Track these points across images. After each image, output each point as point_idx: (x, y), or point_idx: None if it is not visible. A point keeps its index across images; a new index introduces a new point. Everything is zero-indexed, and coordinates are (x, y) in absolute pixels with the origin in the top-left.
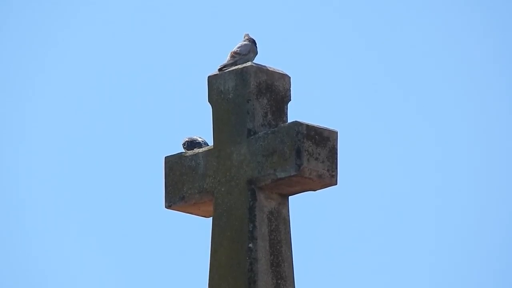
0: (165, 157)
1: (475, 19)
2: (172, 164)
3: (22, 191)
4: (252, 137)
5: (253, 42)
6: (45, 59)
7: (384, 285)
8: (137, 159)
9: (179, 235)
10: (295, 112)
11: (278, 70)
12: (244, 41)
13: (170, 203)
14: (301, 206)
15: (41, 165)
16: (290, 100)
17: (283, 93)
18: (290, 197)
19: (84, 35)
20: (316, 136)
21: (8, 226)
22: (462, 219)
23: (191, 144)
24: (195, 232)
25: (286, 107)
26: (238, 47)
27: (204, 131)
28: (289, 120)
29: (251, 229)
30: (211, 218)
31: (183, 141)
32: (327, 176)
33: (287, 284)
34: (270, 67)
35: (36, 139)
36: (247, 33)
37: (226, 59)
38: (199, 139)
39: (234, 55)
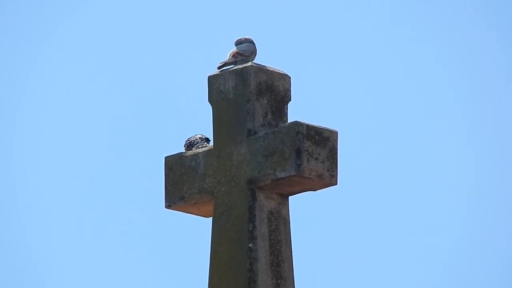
0: (165, 157)
1: (475, 19)
2: (172, 164)
3: (22, 191)
4: (252, 137)
5: (251, 42)
6: (43, 58)
7: (384, 285)
8: (137, 159)
9: (179, 235)
10: (295, 112)
11: (278, 70)
12: (249, 43)
13: (170, 203)
14: (301, 206)
15: (41, 165)
16: (290, 100)
17: (283, 93)
18: (290, 197)
19: (84, 35)
20: (316, 136)
21: (8, 226)
22: (463, 219)
23: (190, 144)
24: (195, 232)
25: (286, 107)
26: (243, 49)
27: (204, 131)
28: (289, 120)
29: (251, 229)
30: (211, 218)
31: (184, 144)
32: (327, 176)
33: (287, 284)
34: (270, 67)
35: (35, 139)
36: (240, 38)
37: (227, 57)
38: (196, 136)
39: (237, 55)
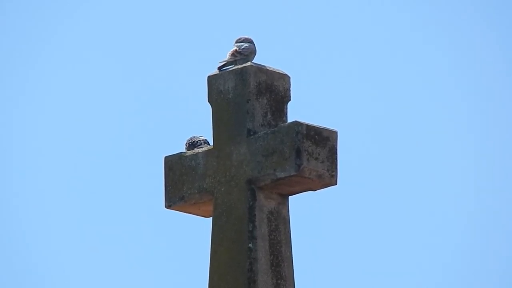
0: (165, 157)
1: (475, 19)
2: (172, 164)
3: (22, 191)
4: (252, 137)
5: (251, 42)
6: (43, 58)
7: (384, 285)
8: (137, 159)
9: (179, 235)
10: (295, 112)
11: (278, 70)
12: (249, 42)
13: (170, 203)
14: (301, 206)
15: (41, 165)
16: (290, 100)
17: (283, 93)
18: (290, 197)
19: (83, 35)
20: (316, 136)
21: (8, 226)
22: (464, 219)
23: (192, 144)
24: (195, 232)
25: (286, 107)
26: (242, 48)
27: (204, 131)
28: (289, 120)
29: (251, 229)
30: (211, 218)
31: (186, 143)
32: (326, 176)
33: (287, 284)
34: (270, 67)
35: (35, 139)
36: (240, 37)
37: (226, 56)
38: (200, 138)
39: (236, 53)
